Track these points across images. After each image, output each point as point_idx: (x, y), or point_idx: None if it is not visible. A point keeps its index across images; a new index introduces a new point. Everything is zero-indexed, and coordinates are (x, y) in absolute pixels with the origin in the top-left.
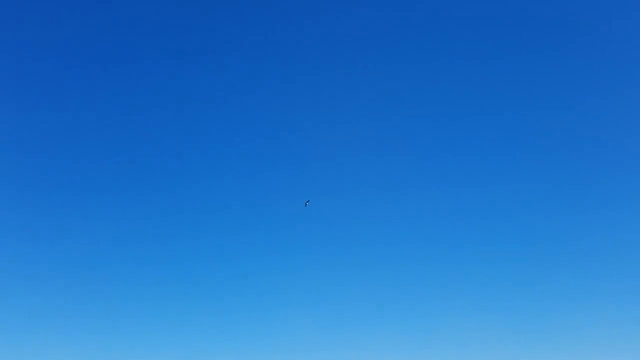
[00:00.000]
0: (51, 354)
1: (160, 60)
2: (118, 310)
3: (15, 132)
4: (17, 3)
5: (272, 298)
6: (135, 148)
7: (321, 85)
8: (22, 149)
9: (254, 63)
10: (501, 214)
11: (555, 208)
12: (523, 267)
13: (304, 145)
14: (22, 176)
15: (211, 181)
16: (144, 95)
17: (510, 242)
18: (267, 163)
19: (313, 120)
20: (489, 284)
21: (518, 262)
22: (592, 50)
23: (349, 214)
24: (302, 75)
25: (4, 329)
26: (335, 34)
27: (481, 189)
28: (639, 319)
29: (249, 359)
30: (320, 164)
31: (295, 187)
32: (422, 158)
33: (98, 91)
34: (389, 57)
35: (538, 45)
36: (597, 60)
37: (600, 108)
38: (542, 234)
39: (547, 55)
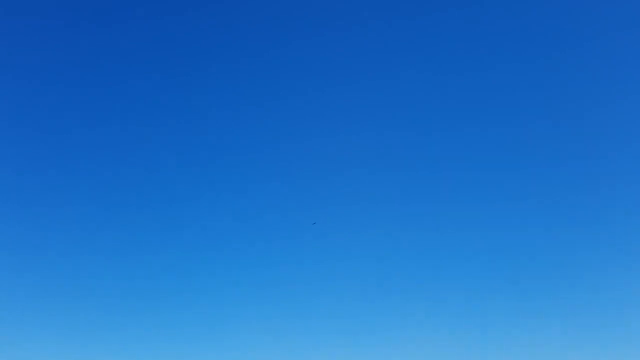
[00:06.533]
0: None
1: (157, 65)
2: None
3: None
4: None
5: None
6: (130, 151)
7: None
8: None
9: (252, 70)
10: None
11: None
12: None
13: (304, 154)
14: (24, 183)
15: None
16: (141, 98)
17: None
18: (265, 171)
19: (315, 128)
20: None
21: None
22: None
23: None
24: (301, 82)
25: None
26: (340, 41)
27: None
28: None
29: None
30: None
31: (293, 196)
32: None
33: (96, 94)
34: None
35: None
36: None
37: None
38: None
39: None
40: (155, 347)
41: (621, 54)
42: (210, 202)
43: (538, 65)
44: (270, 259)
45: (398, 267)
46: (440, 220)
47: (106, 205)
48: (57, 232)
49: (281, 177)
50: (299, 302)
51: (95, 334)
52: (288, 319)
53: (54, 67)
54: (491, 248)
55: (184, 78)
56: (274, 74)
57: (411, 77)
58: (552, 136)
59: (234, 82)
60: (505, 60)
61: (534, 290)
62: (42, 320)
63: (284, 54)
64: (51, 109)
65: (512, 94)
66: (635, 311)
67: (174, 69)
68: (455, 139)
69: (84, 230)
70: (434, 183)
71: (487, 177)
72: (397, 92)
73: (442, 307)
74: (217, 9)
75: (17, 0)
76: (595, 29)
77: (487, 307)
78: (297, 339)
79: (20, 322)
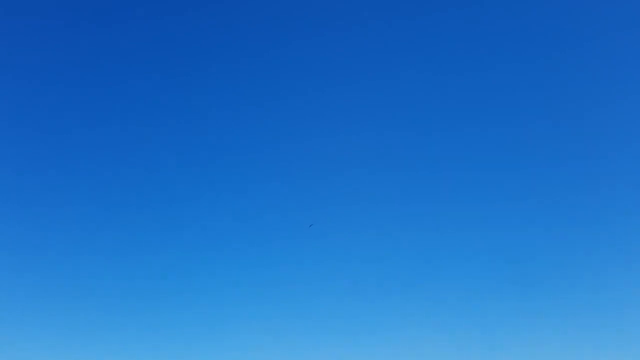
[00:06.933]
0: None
1: (158, 64)
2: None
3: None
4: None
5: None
6: (129, 152)
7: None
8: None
9: (252, 71)
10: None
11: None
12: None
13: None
14: (24, 182)
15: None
16: (141, 98)
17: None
18: (263, 172)
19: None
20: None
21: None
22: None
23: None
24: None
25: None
26: (340, 43)
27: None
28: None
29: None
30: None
31: (290, 197)
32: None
33: (96, 94)
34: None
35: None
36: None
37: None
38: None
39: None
40: (155, 347)
41: (621, 54)
42: (210, 202)
43: (538, 65)
44: (270, 259)
45: (398, 267)
46: (440, 220)
47: (106, 205)
48: (57, 232)
49: (281, 177)
50: (299, 302)
51: (95, 334)
52: (288, 319)
53: (54, 67)
54: (491, 248)
55: (184, 78)
56: (274, 74)
57: (411, 77)
58: (552, 136)
59: (234, 82)
60: (505, 60)
61: (534, 290)
62: (42, 320)
63: (284, 54)
64: (51, 109)
65: (512, 94)
66: (635, 311)
67: (174, 69)
68: (455, 139)
69: (84, 230)
70: (434, 183)
71: (487, 177)
72: (397, 92)
73: (442, 307)
74: (217, 9)
75: (17, 0)
76: (595, 29)
77: (487, 307)
78: (297, 339)
79: (20, 322)
